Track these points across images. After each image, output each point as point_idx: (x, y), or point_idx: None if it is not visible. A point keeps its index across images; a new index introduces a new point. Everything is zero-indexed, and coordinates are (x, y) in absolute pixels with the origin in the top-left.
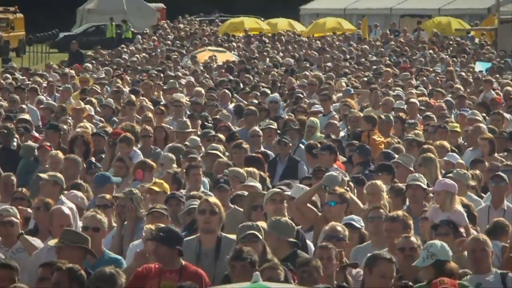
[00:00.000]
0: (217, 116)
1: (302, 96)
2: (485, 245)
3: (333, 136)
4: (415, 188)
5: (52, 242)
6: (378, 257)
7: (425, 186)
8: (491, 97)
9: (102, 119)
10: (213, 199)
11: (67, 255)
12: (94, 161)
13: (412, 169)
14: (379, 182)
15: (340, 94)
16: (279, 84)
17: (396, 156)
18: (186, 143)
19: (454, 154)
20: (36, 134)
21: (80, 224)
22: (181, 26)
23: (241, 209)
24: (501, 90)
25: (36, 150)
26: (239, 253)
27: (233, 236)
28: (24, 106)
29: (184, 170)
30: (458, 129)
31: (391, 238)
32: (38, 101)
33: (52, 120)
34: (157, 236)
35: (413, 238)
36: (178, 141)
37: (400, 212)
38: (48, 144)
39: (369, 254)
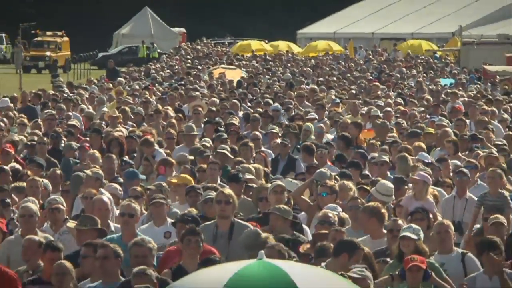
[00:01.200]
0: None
1: (291, 106)
2: (448, 228)
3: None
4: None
5: (71, 224)
6: (357, 247)
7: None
8: (454, 106)
9: (134, 124)
10: (227, 190)
11: (85, 236)
12: (127, 159)
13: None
14: (346, 182)
15: (330, 104)
16: (280, 96)
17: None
18: (203, 143)
19: (425, 153)
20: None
21: (116, 211)
22: (199, 47)
23: (249, 199)
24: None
25: (77, 150)
26: (193, 230)
27: (244, 222)
28: (70, 113)
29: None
30: (433, 132)
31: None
32: (81, 109)
33: (93, 126)
34: (182, 219)
35: (400, 222)
36: (185, 143)
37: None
38: (87, 144)
39: (348, 240)
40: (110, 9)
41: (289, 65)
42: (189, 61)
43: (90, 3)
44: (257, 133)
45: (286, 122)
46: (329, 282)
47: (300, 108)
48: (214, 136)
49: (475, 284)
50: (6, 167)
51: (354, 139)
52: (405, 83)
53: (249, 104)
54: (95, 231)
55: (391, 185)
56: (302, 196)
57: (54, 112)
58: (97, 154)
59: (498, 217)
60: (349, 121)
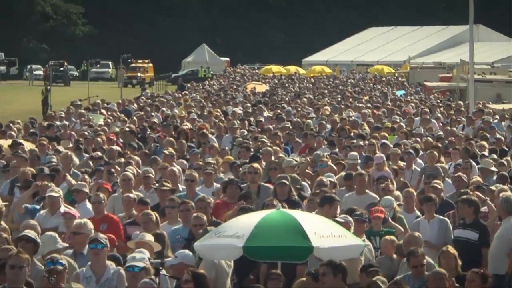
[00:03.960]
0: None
1: (299, 109)
2: (412, 194)
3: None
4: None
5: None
6: (335, 200)
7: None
8: (405, 109)
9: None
10: (256, 164)
11: (163, 194)
12: (190, 143)
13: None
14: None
15: (327, 107)
16: (290, 102)
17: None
18: (242, 133)
19: (386, 141)
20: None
21: (183, 177)
22: (238, 70)
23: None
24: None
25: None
26: (248, 194)
27: (266, 184)
28: (153, 113)
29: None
30: (389, 126)
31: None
32: (162, 111)
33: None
34: (230, 181)
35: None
36: (230, 132)
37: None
38: (164, 134)
39: (329, 195)
40: (180, 45)
41: (297, 82)
42: (231, 79)
43: (167, 41)
44: (288, 125)
45: (295, 119)
46: (325, 223)
47: (304, 110)
48: (247, 128)
49: (419, 226)
50: (114, 147)
51: (347, 129)
52: (373, 93)
53: (270, 107)
54: (169, 190)
55: (356, 154)
56: (306, 170)
57: (142, 112)
58: (172, 139)
59: (436, 181)
60: (336, 118)
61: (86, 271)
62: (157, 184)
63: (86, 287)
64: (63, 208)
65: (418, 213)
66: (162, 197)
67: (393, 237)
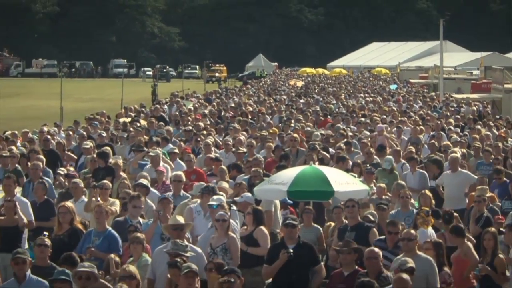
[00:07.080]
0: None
1: (325, 98)
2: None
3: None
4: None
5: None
6: (346, 159)
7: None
8: (396, 98)
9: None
10: (295, 135)
11: (239, 155)
12: (251, 120)
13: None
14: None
15: (343, 96)
16: (319, 92)
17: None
18: (287, 114)
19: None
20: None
21: (245, 143)
22: (283, 71)
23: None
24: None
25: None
26: (287, 155)
27: (303, 149)
28: (226, 101)
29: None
30: (385, 109)
31: None
32: (233, 99)
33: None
34: (276, 146)
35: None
36: (277, 113)
37: None
38: (233, 114)
39: (341, 155)
40: (244, 54)
41: (323, 79)
42: (279, 77)
43: (236, 52)
44: (317, 108)
45: (323, 105)
46: (341, 174)
47: (328, 98)
48: (289, 110)
49: (406, 177)
50: (200, 123)
51: (356, 111)
52: (374, 87)
53: (305, 96)
54: (243, 152)
55: (368, 133)
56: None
57: (219, 100)
58: (239, 118)
59: (412, 149)
60: (349, 104)
61: (197, 206)
62: (234, 148)
63: (196, 218)
64: (161, 164)
65: (407, 164)
66: (239, 157)
67: (383, 185)
